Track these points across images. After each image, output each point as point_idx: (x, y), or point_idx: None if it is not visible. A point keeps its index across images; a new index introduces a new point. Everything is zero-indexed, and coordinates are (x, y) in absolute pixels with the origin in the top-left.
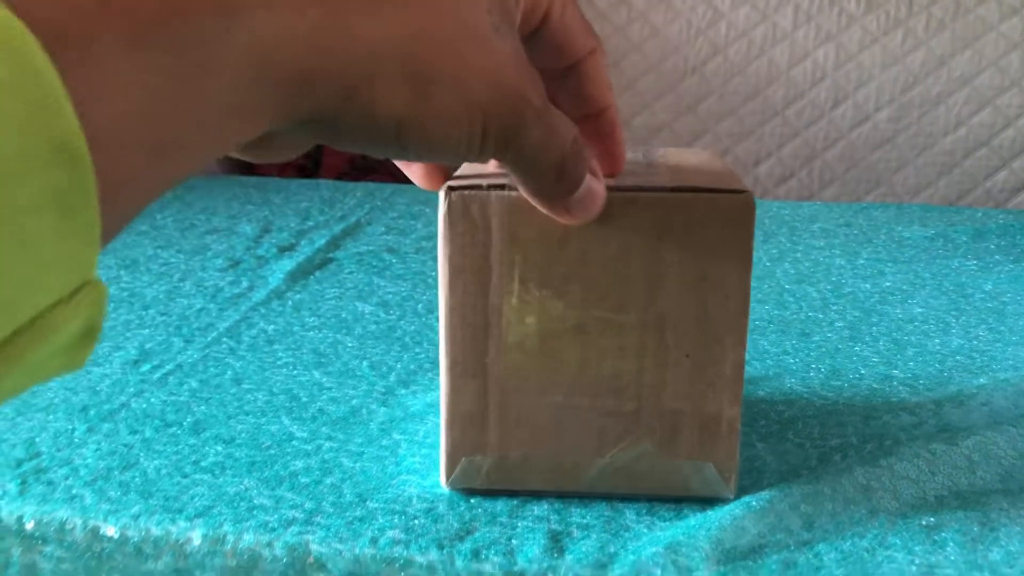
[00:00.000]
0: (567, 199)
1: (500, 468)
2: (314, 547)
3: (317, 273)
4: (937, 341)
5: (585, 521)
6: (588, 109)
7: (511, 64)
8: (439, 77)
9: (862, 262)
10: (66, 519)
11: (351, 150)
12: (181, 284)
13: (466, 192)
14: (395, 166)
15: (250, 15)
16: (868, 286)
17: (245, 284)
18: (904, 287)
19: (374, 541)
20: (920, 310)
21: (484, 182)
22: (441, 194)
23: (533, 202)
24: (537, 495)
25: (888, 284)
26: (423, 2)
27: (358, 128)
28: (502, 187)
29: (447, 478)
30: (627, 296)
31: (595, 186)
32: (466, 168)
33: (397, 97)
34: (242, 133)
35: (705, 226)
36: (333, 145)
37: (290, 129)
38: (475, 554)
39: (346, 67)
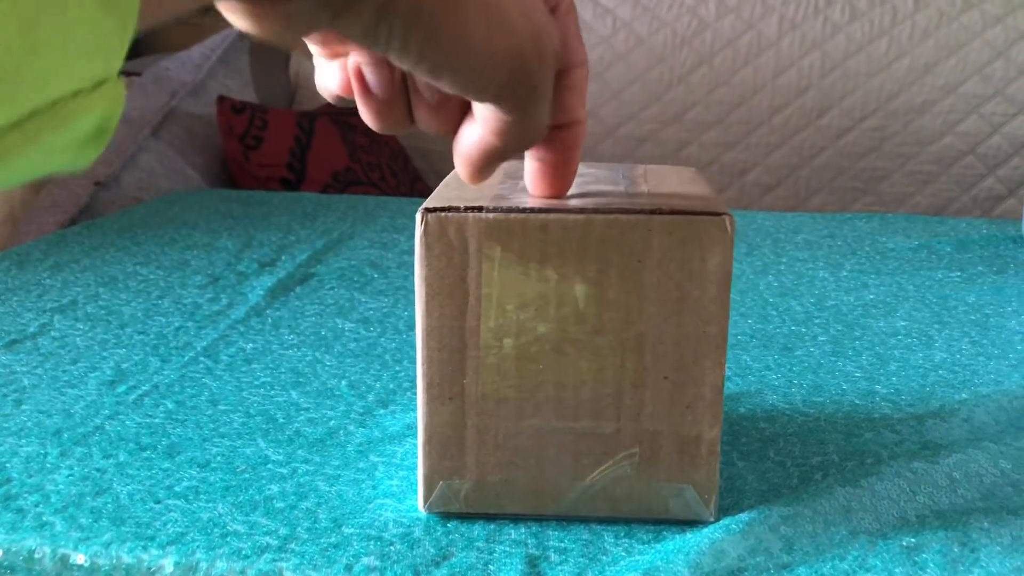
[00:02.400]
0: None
1: (478, 491)
2: (288, 574)
3: (298, 289)
4: (920, 355)
5: (563, 545)
6: (560, 119)
7: (540, 8)
8: None
9: (845, 274)
10: (35, 547)
11: (355, 32)
12: (160, 301)
13: (443, 214)
14: (379, 178)
15: None
16: (851, 299)
17: (224, 301)
18: (887, 299)
19: (349, 568)
20: (903, 323)
21: (461, 204)
22: (418, 216)
23: (481, 153)
24: (515, 518)
25: (871, 296)
26: None
27: None
28: (479, 209)
29: (424, 502)
30: (606, 318)
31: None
32: (442, 190)
33: None
34: None
35: (684, 248)
36: (338, 23)
37: None
38: None
39: None
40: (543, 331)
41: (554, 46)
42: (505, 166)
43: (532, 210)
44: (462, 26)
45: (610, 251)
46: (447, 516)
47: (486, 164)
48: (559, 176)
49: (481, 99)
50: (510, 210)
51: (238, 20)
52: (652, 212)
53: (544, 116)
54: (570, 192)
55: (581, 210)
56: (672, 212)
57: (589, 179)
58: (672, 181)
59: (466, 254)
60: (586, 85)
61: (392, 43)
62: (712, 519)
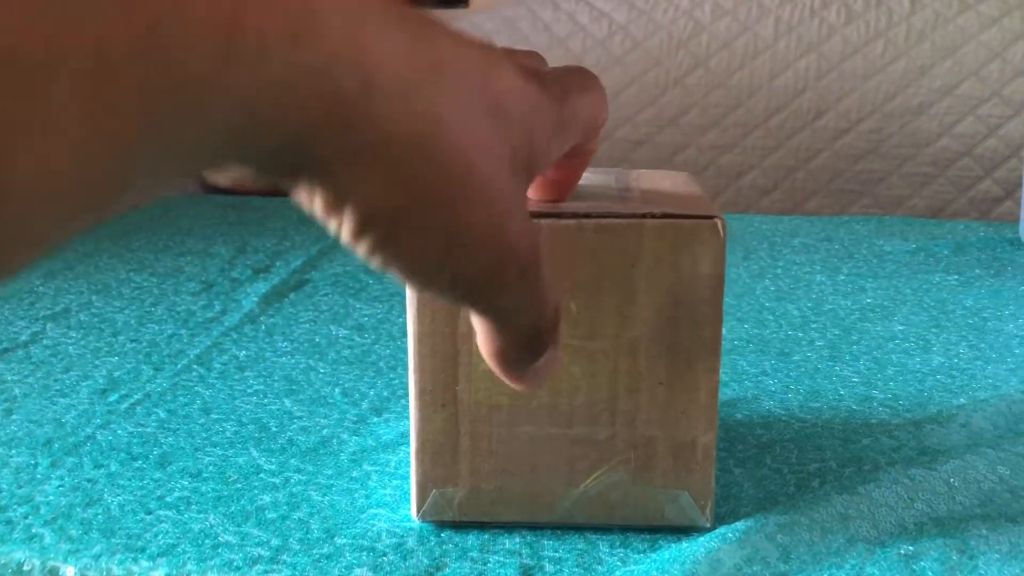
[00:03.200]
0: (526, 368)
1: (472, 500)
2: None
3: (292, 295)
4: (918, 359)
5: (558, 555)
6: (576, 151)
7: (516, 215)
8: (440, 171)
9: (843, 278)
10: (23, 560)
11: (303, 203)
12: (153, 309)
13: None
14: None
15: (258, 55)
16: (849, 303)
17: (218, 308)
18: (885, 303)
19: None
20: (901, 327)
21: None
22: None
23: (489, 359)
24: (509, 527)
25: (869, 300)
26: (451, 101)
27: (324, 190)
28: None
29: (418, 511)
30: (599, 323)
31: (554, 357)
32: None
33: (384, 181)
34: (202, 168)
35: (677, 252)
36: (283, 187)
37: (259, 170)
38: None
39: (343, 137)
40: None
41: (531, 254)
42: None
43: None
44: (420, 246)
45: (602, 256)
46: (441, 525)
47: (503, 369)
48: (555, 189)
49: (420, 287)
50: None
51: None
52: (644, 216)
53: (535, 309)
54: None
55: (572, 215)
56: (664, 216)
57: (581, 183)
58: (664, 185)
59: None
60: (599, 130)
61: (335, 232)
62: (708, 525)
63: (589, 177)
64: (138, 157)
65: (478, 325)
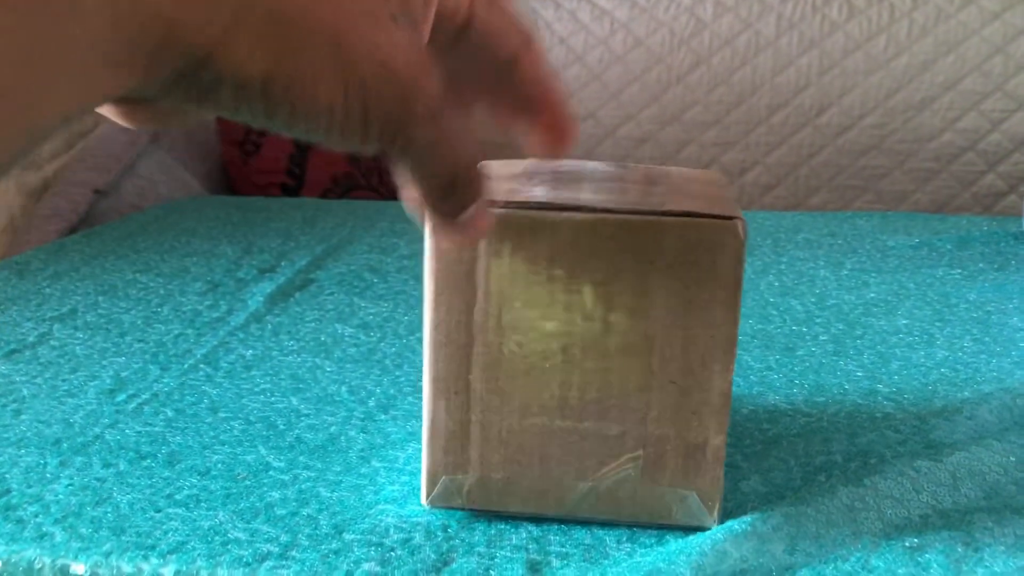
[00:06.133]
0: (452, 217)
1: (481, 488)
2: None
3: (297, 295)
4: (922, 353)
5: (564, 550)
6: (534, 91)
7: (403, 52)
8: (312, 36)
9: (846, 273)
10: (34, 558)
11: (225, 115)
12: (159, 309)
13: None
14: (378, 183)
15: None
16: (852, 297)
17: (224, 308)
18: (889, 298)
19: (349, 574)
20: (905, 321)
21: None
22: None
23: (419, 207)
24: (516, 522)
25: (872, 295)
26: None
27: (224, 85)
28: (491, 204)
29: (427, 497)
30: (613, 319)
31: (480, 218)
32: None
33: (264, 50)
34: (110, 85)
35: (694, 252)
36: (204, 110)
37: (162, 90)
38: None
39: (210, 16)
40: (550, 329)
41: (435, 98)
42: (524, 163)
43: (543, 207)
44: (314, 100)
45: (620, 251)
46: (448, 521)
47: (431, 214)
48: (554, 136)
49: (347, 146)
50: (521, 206)
51: (115, 117)
52: (663, 214)
53: (449, 153)
54: (584, 190)
55: (592, 209)
56: (684, 214)
57: (604, 177)
58: (690, 183)
59: (475, 249)
60: (543, 61)
61: (256, 120)
62: (716, 526)
63: (611, 171)
64: (49, 57)
65: (405, 173)
